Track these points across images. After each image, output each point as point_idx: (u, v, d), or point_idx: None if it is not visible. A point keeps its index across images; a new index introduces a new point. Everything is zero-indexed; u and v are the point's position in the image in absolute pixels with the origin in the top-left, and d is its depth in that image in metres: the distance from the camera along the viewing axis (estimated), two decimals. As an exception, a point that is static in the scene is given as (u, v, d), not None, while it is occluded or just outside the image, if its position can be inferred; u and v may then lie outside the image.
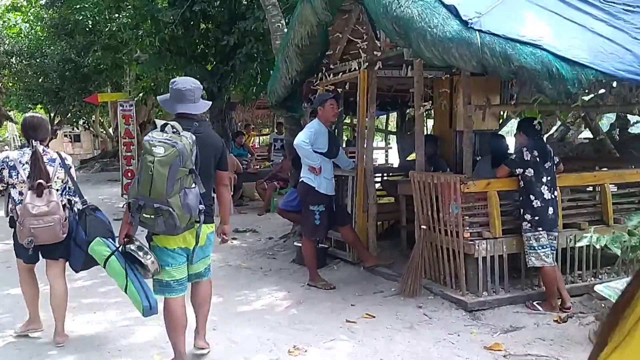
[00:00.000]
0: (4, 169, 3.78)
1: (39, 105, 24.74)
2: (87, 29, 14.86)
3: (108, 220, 3.96)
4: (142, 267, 3.35)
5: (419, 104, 5.33)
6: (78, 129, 34.09)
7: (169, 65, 11.50)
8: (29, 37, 20.29)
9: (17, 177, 3.74)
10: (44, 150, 3.80)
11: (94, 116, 28.23)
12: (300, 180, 5.67)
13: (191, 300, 3.75)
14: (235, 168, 10.00)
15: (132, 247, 3.33)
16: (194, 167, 3.17)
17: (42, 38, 19.97)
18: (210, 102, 3.95)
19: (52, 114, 22.35)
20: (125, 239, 3.36)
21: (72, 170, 3.97)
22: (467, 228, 4.71)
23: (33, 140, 3.75)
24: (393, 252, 6.19)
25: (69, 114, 23.80)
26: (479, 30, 3.91)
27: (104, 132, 30.94)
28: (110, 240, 3.66)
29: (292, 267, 6.21)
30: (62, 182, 3.86)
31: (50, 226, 3.61)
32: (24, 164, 3.74)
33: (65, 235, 3.74)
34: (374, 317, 4.49)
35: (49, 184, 3.69)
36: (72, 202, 3.94)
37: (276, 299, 5.13)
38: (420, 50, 4.16)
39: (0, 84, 16.58)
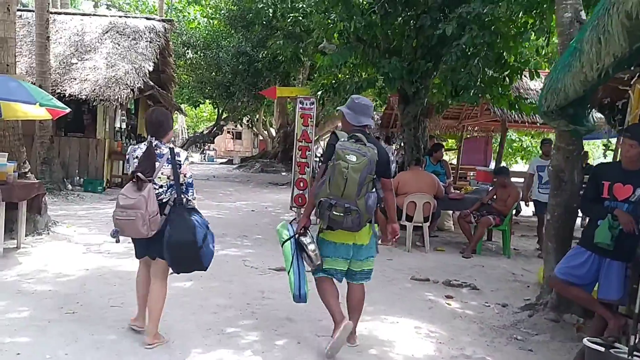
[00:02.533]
0: (126, 162, 3.89)
1: (207, 100, 24.77)
2: (267, 19, 13.62)
3: (205, 223, 3.75)
4: (307, 257, 3.78)
5: None
6: (241, 126, 34.38)
7: (359, 58, 9.59)
8: (207, 29, 19.93)
9: (129, 169, 3.76)
10: (156, 145, 3.73)
11: (257, 115, 27.82)
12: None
13: (347, 302, 4.00)
14: (436, 190, 7.76)
15: (305, 239, 3.76)
16: (375, 175, 3.65)
17: (219, 30, 19.48)
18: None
19: (220, 109, 21.83)
20: (301, 230, 3.80)
21: (185, 167, 3.79)
22: None
23: (150, 136, 3.75)
24: None
25: (236, 110, 23.26)
26: None
27: (266, 131, 30.56)
28: (289, 228, 3.92)
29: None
30: (167, 178, 3.72)
31: (131, 220, 3.52)
32: (135, 158, 3.74)
33: (153, 233, 3.59)
34: None
35: (148, 178, 3.61)
36: (184, 199, 3.77)
37: None
38: None
39: (174, 74, 16.10)
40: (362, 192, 3.54)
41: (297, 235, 3.81)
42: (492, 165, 18.21)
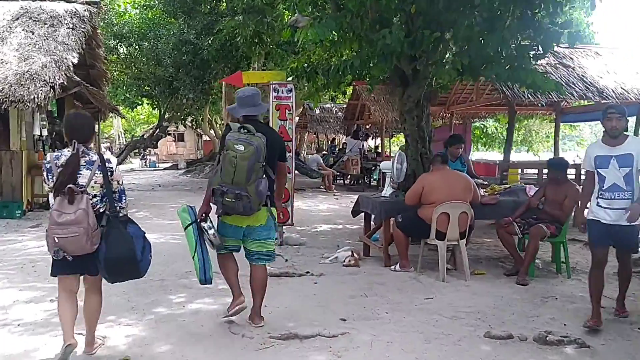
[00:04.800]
0: (44, 171, 3.51)
1: (146, 100, 22.06)
2: (212, 3, 11.39)
3: (142, 234, 3.61)
4: (209, 240, 4.03)
5: None
6: (185, 126, 31.64)
7: (344, 32, 7.57)
8: (141, 17, 17.37)
9: (52, 180, 3.42)
10: (84, 152, 3.49)
11: (203, 113, 25.26)
12: None
13: (250, 285, 4.26)
14: (473, 195, 5.85)
15: (205, 225, 4.02)
16: (264, 162, 3.85)
17: (156, 18, 17.00)
18: (267, 106, 4.75)
19: (162, 110, 19.22)
20: (202, 216, 4.06)
21: (118, 174, 3.63)
22: None
23: (76, 142, 3.46)
24: None
25: (181, 109, 20.66)
26: None
27: (213, 131, 28.03)
28: (190, 212, 4.09)
29: None
30: (100, 187, 3.51)
31: (75, 237, 3.30)
32: (59, 167, 3.42)
33: (95, 247, 3.39)
34: None
35: (82, 189, 3.38)
36: (118, 208, 3.59)
37: None
38: None
39: (106, 71, 13.58)
40: (252, 179, 3.77)
41: (198, 220, 4.04)
42: (472, 155, 16.64)
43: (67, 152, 3.50)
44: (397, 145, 30.93)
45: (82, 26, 11.25)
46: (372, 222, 7.15)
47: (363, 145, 17.24)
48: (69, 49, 10.58)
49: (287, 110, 7.39)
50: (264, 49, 9.67)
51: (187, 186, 18.16)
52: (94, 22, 11.93)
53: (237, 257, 4.33)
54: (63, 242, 3.33)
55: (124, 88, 20.34)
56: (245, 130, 3.85)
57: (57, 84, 9.67)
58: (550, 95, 9.02)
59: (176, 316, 4.53)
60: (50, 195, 3.50)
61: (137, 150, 27.32)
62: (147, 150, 31.37)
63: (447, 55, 7.26)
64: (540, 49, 6.75)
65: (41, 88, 9.40)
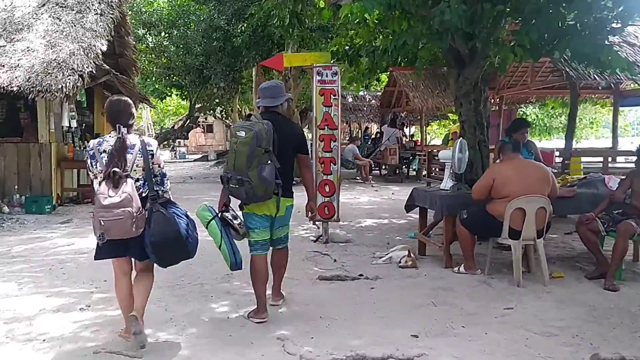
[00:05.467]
0: (88, 158, 3.52)
1: (175, 91, 21.59)
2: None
3: (184, 212, 3.62)
4: (234, 230, 3.98)
5: None
6: (215, 117, 31.23)
7: (394, 7, 6.86)
8: (170, 4, 16.85)
9: (96, 167, 3.45)
10: (126, 137, 3.49)
11: (232, 103, 24.75)
12: None
13: (271, 264, 4.31)
14: (551, 187, 5.12)
15: (227, 215, 3.98)
16: (270, 148, 3.78)
17: (186, 4, 16.46)
18: (289, 96, 4.31)
19: (192, 100, 18.71)
20: (222, 207, 3.99)
21: (158, 157, 3.62)
22: None
23: (121, 126, 3.46)
24: None
25: (211, 99, 20.10)
26: None
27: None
28: (211, 209, 4.00)
29: None
30: (142, 170, 3.50)
31: (120, 220, 3.27)
32: (102, 153, 3.44)
33: (140, 231, 3.36)
34: None
35: (125, 173, 3.37)
36: (160, 192, 3.59)
37: None
38: None
39: (135, 60, 13.09)
40: (253, 164, 3.73)
41: (219, 214, 3.99)
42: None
43: (108, 138, 3.51)
44: (431, 133, 30.04)
45: (111, 12, 10.77)
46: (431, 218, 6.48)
47: (400, 133, 16.48)
48: (98, 36, 10.12)
49: (331, 96, 6.74)
50: (302, 31, 9.03)
51: (219, 178, 17.70)
52: (122, 8, 11.44)
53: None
54: (108, 225, 3.30)
55: (153, 79, 19.93)
56: (253, 119, 3.89)
57: (86, 72, 9.21)
58: (618, 76, 8.18)
59: (220, 329, 3.95)
60: (95, 182, 3.49)
61: (166, 142, 26.99)
62: (177, 142, 31.12)
63: (505, 32, 6.51)
64: (618, 21, 5.96)
65: (69, 77, 8.95)
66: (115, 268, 3.67)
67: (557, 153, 9.87)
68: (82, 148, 10.76)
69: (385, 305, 4.44)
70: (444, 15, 5.72)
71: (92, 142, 3.54)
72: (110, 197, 3.28)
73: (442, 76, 15.63)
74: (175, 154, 33.83)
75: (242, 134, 3.75)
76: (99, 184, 3.39)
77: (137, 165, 3.47)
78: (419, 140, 17.99)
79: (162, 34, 16.66)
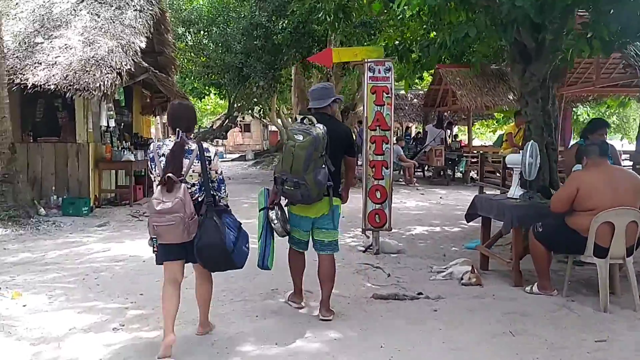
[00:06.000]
0: (148, 161, 3.61)
1: (213, 90, 21.29)
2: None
3: (238, 224, 3.61)
4: (274, 229, 4.08)
5: None
6: (252, 117, 30.97)
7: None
8: (211, 1, 16.54)
9: (155, 170, 3.52)
10: (184, 141, 3.51)
11: (270, 102, 24.38)
12: None
13: (318, 276, 4.25)
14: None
15: (271, 214, 4.05)
16: (324, 152, 3.87)
17: (225, 1, 16.13)
18: (338, 97, 4.40)
19: (231, 99, 18.35)
20: (271, 205, 4.07)
21: (216, 163, 3.60)
22: None
23: (180, 130, 3.49)
24: None
25: (250, 98, 19.71)
26: None
27: (280, 121, 27.17)
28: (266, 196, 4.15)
29: None
30: (199, 176, 3.50)
31: (172, 225, 3.32)
32: (161, 156, 3.49)
33: (192, 236, 3.40)
34: None
35: (180, 178, 3.38)
36: (217, 198, 3.60)
37: None
38: None
39: (175, 58, 12.77)
40: (310, 168, 3.80)
41: (267, 209, 4.09)
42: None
43: (168, 142, 3.55)
44: (475, 134, 29.09)
45: (150, 8, 10.47)
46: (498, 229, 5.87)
47: (445, 134, 15.79)
48: (137, 33, 9.82)
49: (384, 93, 6.19)
50: (348, 25, 8.48)
51: (258, 178, 17.34)
52: (162, 4, 11.13)
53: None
54: (160, 230, 3.36)
55: (192, 78, 19.68)
56: (307, 121, 3.93)
57: (124, 70, 8.89)
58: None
59: (267, 358, 3.46)
60: (154, 184, 3.53)
61: (206, 141, 26.79)
62: (215, 141, 30.97)
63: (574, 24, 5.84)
64: None
65: (107, 75, 8.65)
66: (165, 274, 3.62)
67: (625, 156, 9.05)
68: (120, 148, 10.48)
69: (455, 334, 3.87)
70: (515, 1, 5.12)
71: (153, 145, 3.61)
72: (163, 202, 3.33)
73: (490, 73, 14.94)
74: (213, 153, 33.70)
75: (300, 137, 3.82)
76: (156, 187, 3.46)
77: (193, 171, 3.47)
78: (462, 141, 17.24)
79: (202, 32, 16.35)
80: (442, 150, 14.67)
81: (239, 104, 18.66)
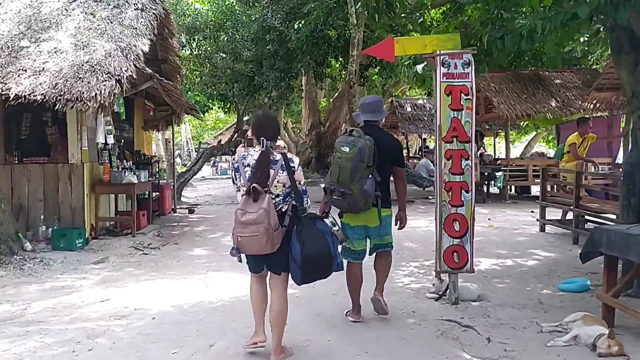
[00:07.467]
0: (232, 170, 3.72)
1: (217, 103, 19.88)
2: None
3: (330, 231, 3.66)
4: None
5: None
6: (258, 131, 29.57)
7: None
8: (217, 6, 15.20)
9: (240, 180, 3.57)
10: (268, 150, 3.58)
11: (278, 115, 22.99)
12: None
13: (374, 267, 4.56)
14: None
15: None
16: (371, 163, 4.05)
17: (233, 6, 14.81)
18: (386, 113, 4.74)
19: (240, 111, 16.95)
20: (323, 214, 4.12)
21: (299, 174, 3.64)
22: None
23: (265, 140, 3.53)
24: None
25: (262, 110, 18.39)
26: None
27: (287, 134, 25.78)
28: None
29: None
30: (283, 186, 3.52)
31: (255, 237, 3.35)
32: (246, 167, 3.54)
33: (276, 247, 3.41)
34: None
35: (265, 189, 3.41)
36: (299, 209, 3.60)
37: None
38: None
39: (180, 66, 11.37)
40: (356, 178, 4.01)
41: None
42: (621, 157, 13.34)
43: (253, 152, 3.59)
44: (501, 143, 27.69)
45: (153, 7, 9.10)
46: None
47: (478, 146, 14.39)
48: (138, 34, 8.43)
49: (462, 94, 4.78)
50: (390, 19, 7.16)
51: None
52: (166, 4, 9.77)
53: None
54: (244, 241, 3.38)
55: (194, 91, 18.26)
56: (356, 133, 4.13)
57: (125, 76, 7.48)
58: None
59: None
60: (238, 194, 3.58)
61: (214, 158, 25.37)
62: (219, 157, 29.61)
63: None
64: None
65: (104, 82, 7.24)
66: (252, 279, 3.78)
67: None
68: (120, 169, 9.05)
69: None
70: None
71: (238, 155, 3.71)
72: (248, 212, 3.35)
73: (527, 78, 13.61)
74: (216, 169, 32.29)
75: (347, 149, 4.07)
76: (241, 197, 3.49)
77: (277, 181, 3.49)
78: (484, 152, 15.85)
79: (208, 39, 14.99)
80: (477, 164, 13.27)
81: (247, 117, 17.27)
